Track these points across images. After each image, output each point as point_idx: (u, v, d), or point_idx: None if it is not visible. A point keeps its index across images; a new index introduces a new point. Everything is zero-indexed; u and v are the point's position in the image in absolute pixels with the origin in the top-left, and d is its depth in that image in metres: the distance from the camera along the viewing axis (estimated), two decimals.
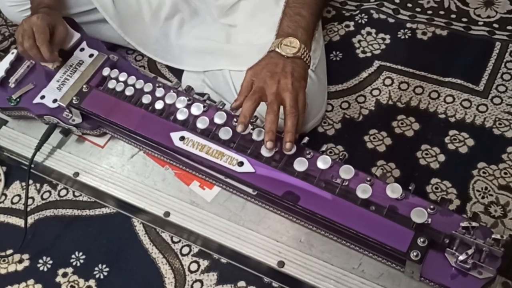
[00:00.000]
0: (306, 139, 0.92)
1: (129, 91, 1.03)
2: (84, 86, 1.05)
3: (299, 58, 0.90)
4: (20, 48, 1.05)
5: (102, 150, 1.09)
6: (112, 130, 1.07)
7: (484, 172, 1.01)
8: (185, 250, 1.01)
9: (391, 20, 1.27)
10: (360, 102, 1.14)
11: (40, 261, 1.05)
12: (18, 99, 1.10)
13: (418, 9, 1.28)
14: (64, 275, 1.02)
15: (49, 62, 1.08)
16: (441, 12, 1.26)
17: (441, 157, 1.04)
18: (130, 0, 1.18)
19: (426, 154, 1.05)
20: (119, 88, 1.04)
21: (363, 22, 1.27)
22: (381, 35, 1.24)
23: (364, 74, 1.18)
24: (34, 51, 1.03)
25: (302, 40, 0.90)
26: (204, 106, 0.97)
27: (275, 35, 0.94)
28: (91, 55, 1.12)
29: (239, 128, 0.87)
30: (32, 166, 1.07)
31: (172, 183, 1.02)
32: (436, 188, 1.00)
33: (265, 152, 0.90)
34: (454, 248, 0.77)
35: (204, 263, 0.99)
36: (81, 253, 1.04)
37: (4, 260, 1.06)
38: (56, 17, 1.08)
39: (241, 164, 0.90)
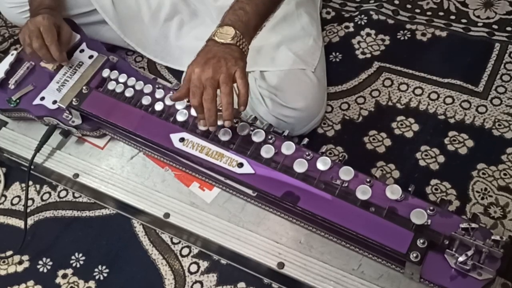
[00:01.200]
0: (305, 140, 0.92)
1: (128, 92, 1.03)
2: (84, 88, 1.05)
3: (234, 45, 0.89)
4: (28, 49, 1.05)
5: (101, 151, 1.09)
6: (111, 131, 1.07)
7: (483, 173, 1.01)
8: (185, 251, 1.01)
9: (390, 21, 1.27)
10: (360, 103, 1.15)
11: (40, 262, 1.05)
12: (18, 101, 1.10)
13: (417, 10, 1.28)
14: (64, 276, 1.02)
15: (58, 62, 1.08)
16: (441, 13, 1.26)
17: (441, 158, 1.04)
18: (130, 1, 1.18)
19: (426, 155, 1.05)
20: (119, 89, 1.04)
21: (363, 23, 1.27)
22: (381, 36, 1.24)
23: (364, 75, 1.19)
24: (43, 51, 1.03)
25: (239, 30, 0.90)
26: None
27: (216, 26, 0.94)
28: (90, 57, 1.12)
29: (212, 129, 0.89)
30: (32, 167, 1.07)
31: (172, 184, 1.02)
32: (436, 189, 1.00)
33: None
34: (454, 249, 0.77)
35: (204, 264, 0.99)
36: (81, 254, 1.04)
37: (4, 261, 1.06)
38: (58, 18, 1.08)
39: (240, 165, 0.90)
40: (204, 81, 0.86)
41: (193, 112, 0.96)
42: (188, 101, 0.91)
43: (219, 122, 0.89)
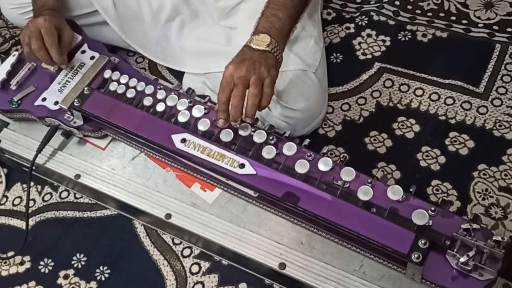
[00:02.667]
0: (307, 141, 0.93)
1: (130, 93, 1.03)
2: (86, 88, 1.05)
3: (269, 52, 0.91)
4: (26, 49, 1.05)
5: (103, 152, 1.09)
6: (113, 132, 1.07)
7: (484, 174, 1.01)
8: (186, 252, 1.01)
9: (391, 22, 1.27)
10: (361, 104, 1.15)
11: (42, 263, 1.05)
12: (19, 101, 1.10)
13: (418, 11, 1.28)
14: (66, 277, 1.02)
15: (58, 65, 1.08)
16: (441, 14, 1.26)
17: (442, 159, 1.04)
18: (131, 2, 1.18)
19: (427, 156, 1.05)
20: (120, 90, 1.04)
21: (364, 24, 1.27)
22: (381, 37, 1.24)
23: (365, 76, 1.19)
24: (42, 53, 1.03)
25: (274, 38, 0.92)
26: (205, 108, 0.97)
27: (251, 34, 0.95)
28: (92, 57, 1.12)
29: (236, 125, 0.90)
30: (33, 168, 1.07)
31: (173, 185, 1.02)
32: (437, 190, 1.01)
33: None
34: (455, 250, 0.77)
35: (205, 265, 0.99)
36: (82, 255, 1.04)
37: (5, 262, 1.06)
38: (61, 19, 1.08)
39: (242, 166, 0.90)
40: (236, 79, 0.88)
41: (195, 112, 0.96)
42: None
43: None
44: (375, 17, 1.28)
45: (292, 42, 1.10)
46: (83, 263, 1.03)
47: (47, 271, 1.04)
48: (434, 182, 1.02)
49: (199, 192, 1.00)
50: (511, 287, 0.84)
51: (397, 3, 1.30)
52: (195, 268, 0.99)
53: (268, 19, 0.93)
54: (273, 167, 0.90)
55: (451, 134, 1.07)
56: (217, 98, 0.89)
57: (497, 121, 1.07)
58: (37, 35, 1.02)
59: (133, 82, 1.05)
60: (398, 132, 1.09)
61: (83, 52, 1.13)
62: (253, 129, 0.93)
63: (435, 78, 1.15)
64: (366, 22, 1.27)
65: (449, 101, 1.12)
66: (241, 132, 0.93)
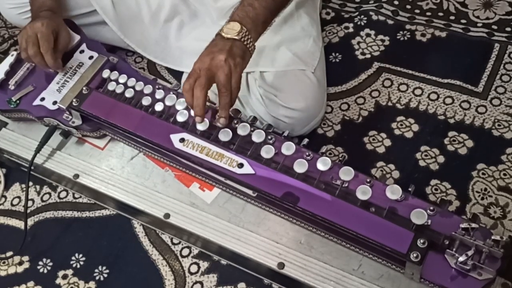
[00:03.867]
0: (305, 141, 0.92)
1: (129, 93, 1.03)
2: (84, 88, 1.05)
3: (239, 41, 0.91)
4: (24, 55, 1.05)
5: (102, 152, 1.09)
6: (112, 132, 1.07)
7: (483, 173, 1.01)
8: (185, 251, 1.01)
9: (390, 21, 1.27)
10: (360, 103, 1.15)
11: (40, 263, 1.05)
12: (18, 101, 1.10)
13: (417, 11, 1.28)
14: (64, 277, 1.02)
15: (53, 70, 1.08)
16: (440, 14, 1.26)
17: (441, 159, 1.04)
18: (130, 2, 1.18)
19: (426, 155, 1.05)
20: (119, 90, 1.04)
21: (362, 23, 1.27)
22: (380, 36, 1.24)
23: (364, 76, 1.19)
24: (38, 59, 1.03)
25: (246, 27, 0.92)
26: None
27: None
28: (91, 57, 1.12)
29: (198, 120, 0.90)
30: (32, 168, 1.07)
31: (172, 185, 1.02)
32: (436, 190, 1.01)
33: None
34: (454, 249, 0.77)
35: (204, 265, 0.99)
36: (81, 255, 1.04)
37: (4, 262, 1.06)
38: (58, 22, 1.08)
39: (241, 165, 0.90)
40: (200, 70, 0.88)
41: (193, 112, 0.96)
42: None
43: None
44: (374, 17, 1.28)
45: (291, 41, 1.10)
46: (81, 263, 1.03)
47: (45, 271, 1.04)
48: (433, 181, 1.02)
49: (198, 192, 1.00)
50: (510, 286, 0.84)
51: (396, 2, 1.30)
52: (194, 268, 0.99)
53: (244, 8, 0.94)
54: (272, 166, 0.89)
55: (450, 134, 1.07)
56: (182, 87, 0.90)
57: (496, 120, 1.07)
58: (34, 40, 1.02)
59: (131, 81, 1.04)
60: (397, 132, 1.09)
61: (82, 51, 1.13)
62: (252, 129, 0.93)
63: (434, 78, 1.15)
64: (365, 21, 1.27)
65: (448, 100, 1.12)
66: (240, 132, 0.93)
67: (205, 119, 0.94)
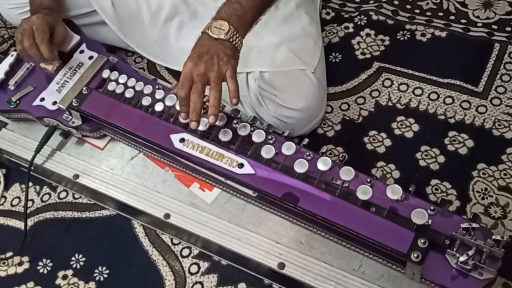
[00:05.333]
0: (306, 141, 0.92)
1: (129, 93, 1.03)
2: (84, 88, 1.05)
3: (227, 41, 0.90)
4: (19, 47, 1.05)
5: (102, 152, 1.09)
6: (112, 132, 1.07)
7: (484, 173, 1.01)
8: (185, 252, 1.01)
9: (390, 21, 1.27)
10: (360, 103, 1.15)
11: (40, 263, 1.04)
12: (17, 101, 1.10)
13: (417, 11, 1.28)
14: (64, 277, 1.02)
15: (48, 61, 1.08)
16: (440, 14, 1.26)
17: (441, 158, 1.04)
18: (130, 2, 1.18)
19: (426, 155, 1.05)
20: (119, 90, 1.04)
21: (362, 23, 1.27)
22: (380, 36, 1.24)
23: (364, 76, 1.19)
24: (33, 50, 1.02)
25: (233, 25, 0.91)
26: (204, 108, 0.97)
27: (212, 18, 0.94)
28: (90, 57, 1.12)
29: (193, 125, 0.89)
30: (32, 168, 1.07)
31: (172, 185, 1.02)
32: (436, 189, 1.00)
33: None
34: (455, 249, 0.77)
35: (204, 265, 0.99)
36: (81, 255, 1.04)
37: (4, 263, 1.05)
38: (55, 18, 1.08)
39: (241, 165, 0.90)
40: (195, 76, 0.87)
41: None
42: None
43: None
44: (374, 17, 1.28)
45: (291, 41, 1.10)
46: (81, 263, 1.03)
47: (45, 271, 1.04)
48: (434, 181, 1.02)
49: (198, 192, 1.00)
50: (511, 286, 0.84)
51: (396, 2, 1.30)
52: (194, 268, 0.99)
53: (231, 5, 0.93)
54: (272, 166, 0.89)
55: (450, 134, 1.07)
56: (177, 94, 0.89)
57: (496, 120, 1.07)
58: (30, 32, 1.02)
59: (131, 82, 1.04)
60: (397, 132, 1.09)
61: (82, 52, 1.13)
62: (252, 129, 0.93)
63: (434, 78, 1.15)
64: (365, 21, 1.27)
65: (448, 100, 1.12)
66: (240, 132, 0.93)
67: (205, 119, 0.94)
